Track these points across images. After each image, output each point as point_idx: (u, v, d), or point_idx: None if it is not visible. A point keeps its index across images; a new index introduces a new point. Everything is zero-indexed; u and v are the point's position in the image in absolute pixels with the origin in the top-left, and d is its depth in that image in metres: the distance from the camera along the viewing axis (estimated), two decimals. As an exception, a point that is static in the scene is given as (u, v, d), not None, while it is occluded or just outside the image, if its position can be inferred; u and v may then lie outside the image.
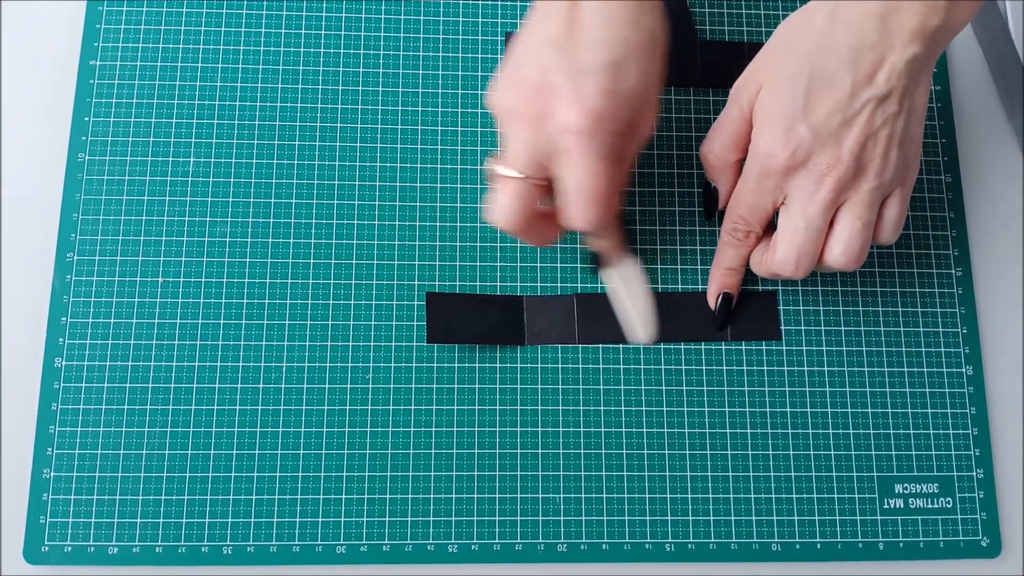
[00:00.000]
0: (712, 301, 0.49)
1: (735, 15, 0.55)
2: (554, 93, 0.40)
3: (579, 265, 0.50)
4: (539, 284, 0.50)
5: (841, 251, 0.43)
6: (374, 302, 0.49)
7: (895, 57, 0.41)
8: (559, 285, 0.50)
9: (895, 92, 0.41)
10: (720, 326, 0.50)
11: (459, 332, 0.49)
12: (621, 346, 0.49)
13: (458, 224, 0.51)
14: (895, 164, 0.42)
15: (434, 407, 0.48)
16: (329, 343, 0.49)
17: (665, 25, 0.42)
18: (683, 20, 0.54)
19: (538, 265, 0.50)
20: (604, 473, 0.48)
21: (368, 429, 0.48)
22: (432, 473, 0.47)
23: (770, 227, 0.46)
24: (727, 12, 0.55)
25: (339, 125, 0.52)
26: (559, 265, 0.50)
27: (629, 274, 0.49)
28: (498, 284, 0.50)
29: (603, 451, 0.48)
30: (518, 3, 0.54)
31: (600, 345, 0.49)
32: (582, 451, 0.48)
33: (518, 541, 0.47)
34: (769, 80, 0.43)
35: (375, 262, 0.50)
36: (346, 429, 0.48)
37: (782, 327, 0.50)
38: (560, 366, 0.49)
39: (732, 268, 0.48)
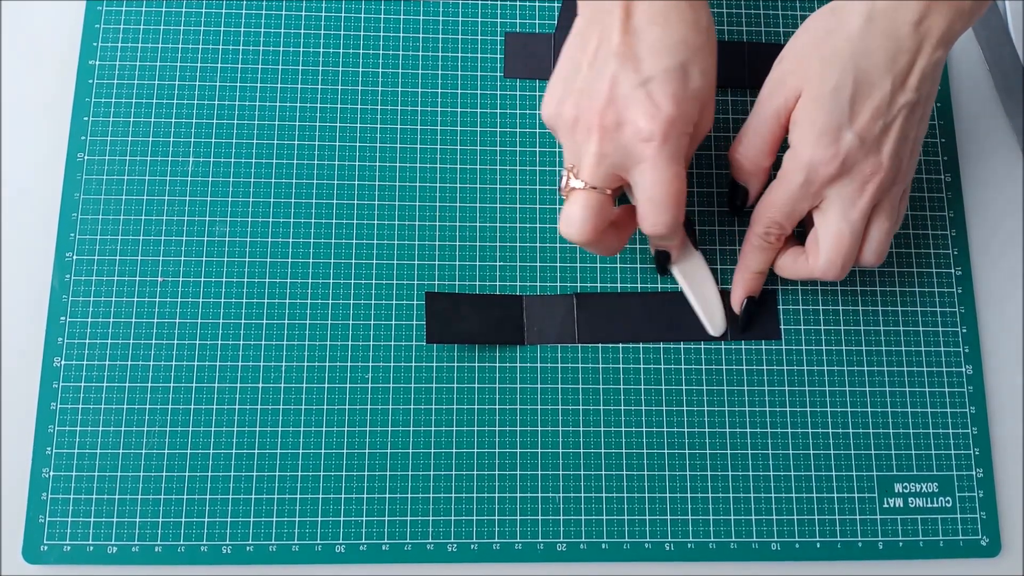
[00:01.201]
0: (737, 305, 0.49)
1: (735, 15, 0.55)
2: (625, 104, 0.40)
3: (641, 265, 0.50)
4: (539, 284, 0.50)
5: (874, 252, 0.45)
6: (374, 302, 0.49)
7: (924, 61, 0.42)
8: (559, 285, 0.50)
9: (923, 96, 0.42)
10: (743, 327, 0.49)
11: (458, 332, 0.49)
12: (620, 345, 0.49)
13: (458, 224, 0.51)
14: (916, 163, 0.44)
15: (434, 407, 0.48)
16: (329, 343, 0.49)
17: (713, 20, 0.43)
18: None
19: (538, 265, 0.50)
20: (604, 473, 0.48)
21: (368, 429, 0.48)
22: (432, 473, 0.47)
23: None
24: (727, 12, 0.55)
25: (339, 125, 0.52)
26: (559, 265, 0.50)
27: (696, 270, 0.49)
28: (498, 284, 0.50)
29: (603, 451, 0.48)
30: (518, 3, 0.54)
31: (600, 345, 0.49)
32: (582, 451, 0.48)
33: (518, 541, 0.47)
34: (809, 88, 0.42)
35: (375, 262, 0.50)
36: (345, 429, 0.48)
37: (782, 327, 0.50)
38: (560, 366, 0.49)
39: (759, 272, 0.48)
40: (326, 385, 0.48)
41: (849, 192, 0.43)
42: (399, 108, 0.52)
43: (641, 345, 0.49)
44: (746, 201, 0.48)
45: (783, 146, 0.45)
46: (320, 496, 0.47)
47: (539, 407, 0.48)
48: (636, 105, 0.40)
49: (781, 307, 0.50)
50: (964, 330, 0.51)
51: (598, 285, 0.50)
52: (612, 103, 0.41)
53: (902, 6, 0.41)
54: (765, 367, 0.49)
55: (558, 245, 0.51)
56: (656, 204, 0.42)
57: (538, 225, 0.51)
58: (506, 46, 0.53)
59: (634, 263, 0.50)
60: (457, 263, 0.50)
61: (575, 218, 0.43)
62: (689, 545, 0.47)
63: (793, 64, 0.44)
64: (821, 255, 0.44)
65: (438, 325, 0.48)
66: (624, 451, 0.48)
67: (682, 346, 0.50)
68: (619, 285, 0.50)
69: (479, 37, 0.53)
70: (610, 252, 0.47)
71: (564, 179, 0.43)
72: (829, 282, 0.51)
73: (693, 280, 0.49)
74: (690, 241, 0.49)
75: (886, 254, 0.45)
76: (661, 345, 0.50)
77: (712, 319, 0.49)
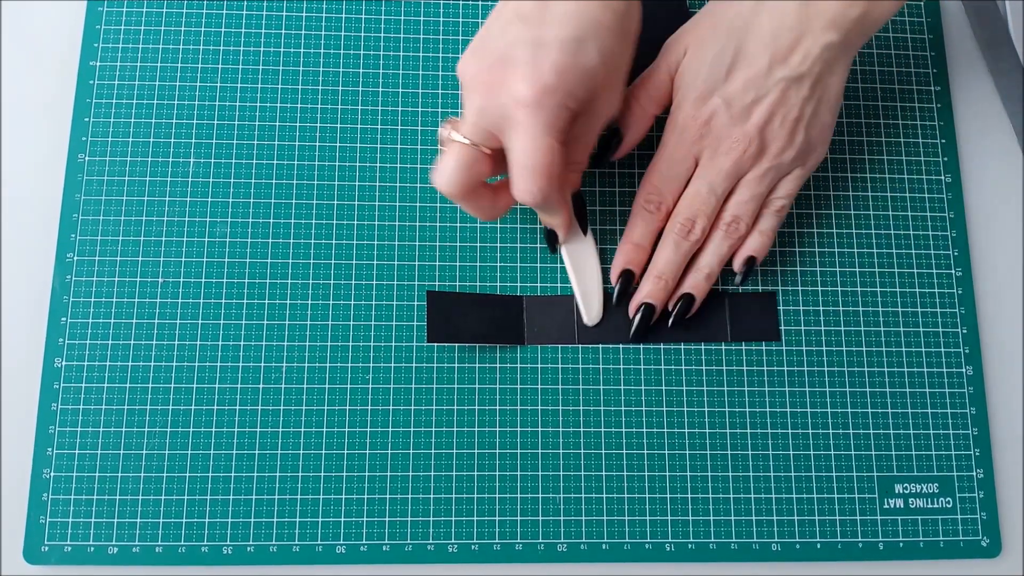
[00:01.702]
0: (614, 276, 0.48)
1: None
2: (511, 64, 0.40)
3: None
4: (539, 284, 0.50)
5: (731, 215, 0.47)
6: (374, 302, 0.49)
7: (810, 42, 0.43)
8: (559, 285, 0.50)
9: (808, 76, 0.44)
10: (638, 334, 0.48)
11: (459, 332, 0.49)
12: (621, 346, 0.49)
13: (458, 224, 0.51)
14: (798, 145, 0.45)
15: (434, 407, 0.48)
16: (329, 343, 0.49)
17: (639, 8, 0.43)
18: (683, 20, 0.54)
19: (538, 265, 0.50)
20: (604, 473, 0.48)
21: (368, 429, 0.48)
22: (432, 473, 0.47)
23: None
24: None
25: (339, 125, 0.52)
26: (559, 265, 0.50)
27: (580, 253, 0.49)
28: (498, 284, 0.50)
29: (603, 451, 0.48)
30: (518, 3, 0.54)
31: (600, 345, 0.49)
32: (582, 451, 0.48)
33: (518, 541, 0.47)
34: (695, 49, 0.45)
35: (375, 262, 0.50)
36: (346, 429, 0.48)
37: (782, 327, 0.50)
38: (560, 366, 0.49)
39: (640, 244, 0.48)
40: (327, 386, 0.48)
41: (712, 153, 0.45)
42: (399, 108, 0.52)
43: (641, 346, 0.49)
44: (617, 148, 0.48)
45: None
46: (321, 497, 0.47)
47: (539, 407, 0.48)
48: (520, 67, 0.40)
49: (781, 308, 0.50)
50: (964, 331, 0.51)
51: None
52: (501, 62, 0.41)
53: None
54: (765, 367, 0.50)
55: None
56: (524, 170, 0.41)
57: (538, 225, 0.51)
58: None
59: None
60: (457, 263, 0.50)
61: (446, 170, 0.43)
62: (690, 546, 0.47)
63: (692, 25, 0.47)
64: (679, 210, 0.46)
65: (439, 325, 0.48)
66: (624, 452, 0.48)
67: (682, 347, 0.50)
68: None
69: (479, 37, 0.53)
70: (485, 215, 0.46)
71: (446, 129, 0.43)
72: (829, 283, 0.51)
73: (577, 263, 0.49)
74: (578, 224, 0.49)
75: (766, 246, 0.48)
76: (661, 346, 0.50)
77: (588, 307, 0.49)
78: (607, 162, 0.49)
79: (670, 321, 0.48)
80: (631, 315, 0.48)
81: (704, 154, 0.46)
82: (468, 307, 0.49)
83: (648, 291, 0.48)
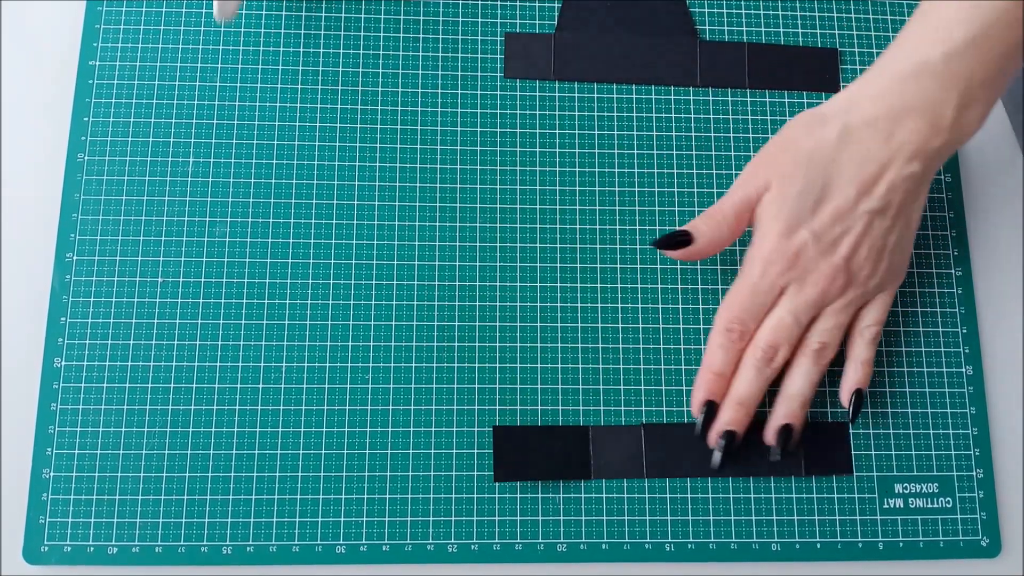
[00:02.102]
0: (696, 408, 0.47)
1: (735, 15, 0.55)
2: None
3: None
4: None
5: (817, 342, 0.46)
6: (374, 302, 0.49)
7: (894, 173, 0.44)
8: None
9: (892, 206, 0.44)
10: (719, 468, 0.47)
11: (527, 469, 0.47)
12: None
13: (458, 224, 0.51)
14: (882, 274, 0.46)
15: (433, 407, 0.48)
16: (329, 343, 0.49)
17: None
18: (683, 20, 0.54)
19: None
20: (604, 473, 0.48)
21: (368, 429, 0.48)
22: (432, 473, 0.47)
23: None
24: (727, 12, 0.55)
25: (339, 125, 0.52)
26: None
27: None
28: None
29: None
30: (518, 3, 0.54)
31: (666, 478, 0.49)
32: (582, 451, 0.48)
33: (518, 541, 0.47)
34: (779, 184, 0.45)
35: (375, 262, 0.50)
36: (346, 429, 0.48)
37: (852, 456, 0.49)
38: (560, 366, 0.49)
39: (722, 374, 0.47)
40: (326, 385, 0.48)
41: (800, 284, 0.45)
42: (399, 108, 0.52)
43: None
44: (680, 245, 0.47)
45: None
46: (320, 496, 0.47)
47: (539, 408, 0.48)
48: None
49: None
50: (964, 330, 0.51)
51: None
52: None
53: (874, 123, 0.44)
54: (765, 367, 0.49)
55: (557, 250, 0.51)
56: None
57: (538, 225, 0.51)
58: (506, 46, 0.53)
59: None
60: (457, 263, 0.50)
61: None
62: (689, 546, 0.47)
63: (768, 160, 0.46)
64: (761, 335, 0.46)
65: (507, 463, 0.47)
66: (624, 451, 0.48)
67: (681, 347, 0.50)
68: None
69: (479, 37, 0.53)
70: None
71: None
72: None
73: None
74: None
75: (868, 375, 0.47)
76: (661, 346, 0.50)
77: None
78: (666, 246, 0.48)
79: (778, 455, 0.47)
80: (712, 445, 0.47)
81: (791, 286, 0.45)
82: (534, 442, 0.48)
83: (729, 418, 0.46)
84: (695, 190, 0.52)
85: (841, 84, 0.54)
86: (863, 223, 0.44)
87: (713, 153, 0.52)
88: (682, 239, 0.47)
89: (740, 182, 0.47)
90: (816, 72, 0.54)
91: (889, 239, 0.45)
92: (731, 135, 0.53)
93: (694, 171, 0.52)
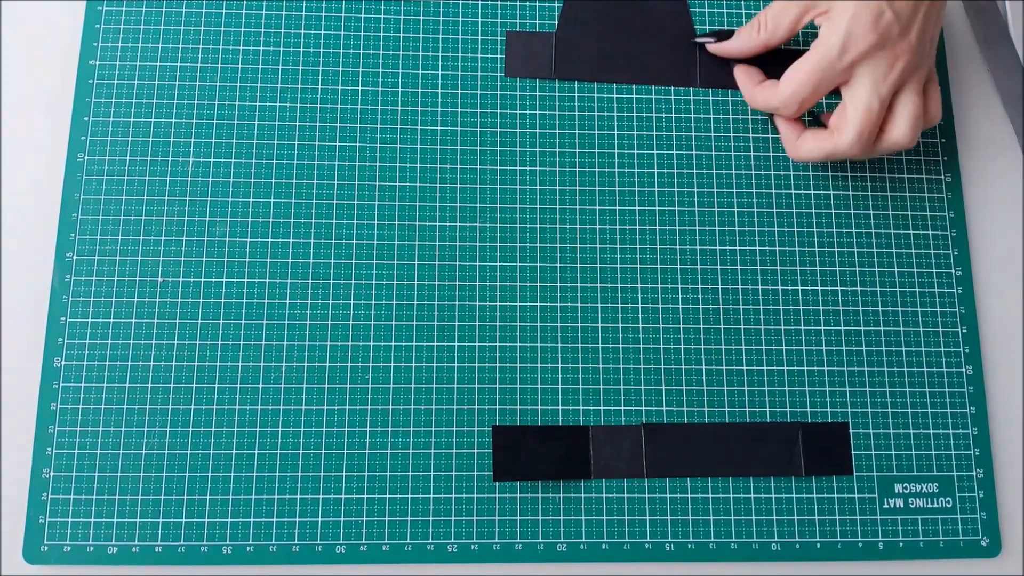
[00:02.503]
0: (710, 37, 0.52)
1: (735, 15, 0.55)
2: None
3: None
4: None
5: (907, 128, 0.47)
6: (374, 302, 0.49)
7: None
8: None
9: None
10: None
11: (526, 470, 0.47)
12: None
13: (458, 224, 0.51)
14: (932, 57, 0.48)
15: (433, 407, 0.48)
16: (329, 343, 0.49)
17: None
18: (683, 20, 0.54)
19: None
20: (604, 473, 0.48)
21: (368, 429, 0.48)
22: (432, 473, 0.47)
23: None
24: (727, 12, 0.55)
25: (339, 125, 0.52)
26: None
27: None
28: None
29: (603, 451, 0.48)
30: (518, 2, 0.54)
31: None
32: (582, 451, 0.48)
33: (518, 541, 0.47)
34: None
35: (375, 262, 0.50)
36: (346, 429, 0.48)
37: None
38: (560, 366, 0.49)
39: (754, 103, 0.50)
40: (326, 385, 0.48)
41: (881, 67, 0.46)
42: (399, 108, 0.52)
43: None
44: (716, 43, 0.52)
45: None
46: (320, 496, 0.47)
47: (539, 407, 0.48)
48: None
49: (781, 307, 0.50)
50: (964, 330, 0.51)
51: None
52: None
53: None
54: (765, 367, 0.49)
55: (557, 250, 0.51)
56: None
57: (538, 225, 0.51)
58: (507, 45, 0.53)
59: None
60: (457, 263, 0.50)
61: None
62: (689, 545, 0.47)
63: None
64: (849, 128, 0.47)
65: (506, 463, 0.47)
66: (624, 451, 0.48)
67: (682, 346, 0.50)
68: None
69: (479, 37, 0.53)
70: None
71: None
72: (829, 283, 0.51)
73: None
74: None
75: (917, 137, 0.48)
76: (661, 346, 0.50)
77: None
78: (715, 39, 0.52)
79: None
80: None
81: (871, 66, 0.46)
82: (534, 442, 0.48)
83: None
84: (695, 190, 0.52)
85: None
86: (924, 7, 0.46)
87: (713, 153, 0.52)
88: (721, 37, 0.51)
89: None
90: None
91: (942, 16, 0.48)
92: (731, 135, 0.53)
93: (694, 171, 0.52)
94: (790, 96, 0.48)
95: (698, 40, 0.53)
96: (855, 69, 0.46)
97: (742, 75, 0.51)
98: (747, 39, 0.51)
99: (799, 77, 0.47)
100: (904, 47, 0.46)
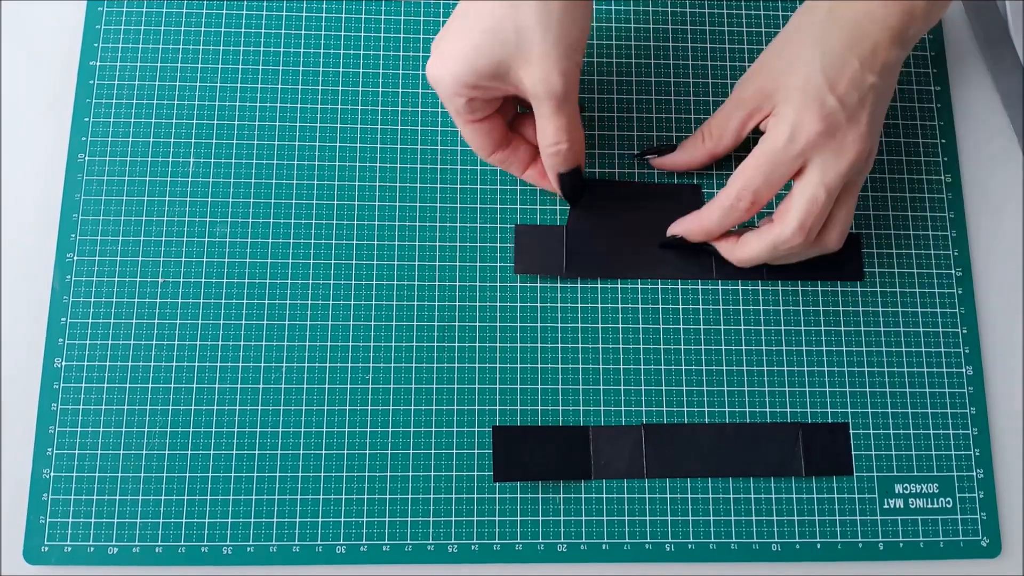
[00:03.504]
0: (670, 233, 0.49)
1: (735, 15, 0.55)
2: None
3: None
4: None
5: (839, 234, 0.46)
6: (374, 302, 0.49)
7: (884, 52, 0.44)
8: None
9: (884, 85, 0.44)
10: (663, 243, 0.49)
11: (527, 470, 0.47)
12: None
13: (458, 224, 0.51)
14: (876, 147, 0.46)
15: (434, 407, 0.48)
16: (329, 343, 0.49)
17: None
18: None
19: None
20: (604, 473, 0.48)
21: (368, 429, 0.48)
22: (432, 473, 0.47)
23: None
24: (727, 13, 0.55)
25: (339, 125, 0.52)
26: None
27: None
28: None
29: (603, 451, 0.48)
30: (518, 3, 0.54)
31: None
32: (582, 451, 0.48)
33: (518, 541, 0.47)
34: (785, 67, 0.45)
35: (375, 262, 0.50)
36: (346, 429, 0.48)
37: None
38: (560, 366, 0.49)
39: (709, 233, 0.47)
40: (327, 386, 0.48)
41: (830, 159, 0.44)
42: (399, 108, 0.52)
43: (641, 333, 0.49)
44: (661, 157, 0.50)
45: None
46: (321, 497, 0.47)
47: (539, 408, 0.48)
48: None
49: (781, 307, 0.50)
50: (964, 331, 0.51)
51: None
52: None
53: (859, 4, 0.44)
54: (765, 367, 0.50)
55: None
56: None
57: (538, 226, 0.51)
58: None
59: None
60: (457, 263, 0.50)
61: None
62: (689, 546, 0.47)
63: (764, 57, 0.47)
64: (792, 218, 0.44)
65: (506, 463, 0.47)
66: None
67: (681, 347, 0.50)
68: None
69: (479, 37, 0.53)
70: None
71: None
72: (829, 282, 0.51)
73: None
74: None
75: (845, 239, 0.47)
76: (661, 346, 0.50)
77: None
78: (651, 155, 0.51)
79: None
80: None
81: (817, 158, 0.44)
82: (534, 442, 0.48)
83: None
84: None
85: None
86: (873, 95, 0.44)
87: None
88: (665, 149, 0.50)
89: (736, 89, 0.47)
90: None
91: (881, 120, 0.45)
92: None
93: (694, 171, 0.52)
94: (742, 188, 0.45)
95: (639, 156, 0.51)
96: (806, 158, 0.44)
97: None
98: (692, 150, 0.49)
99: (748, 167, 0.45)
100: (855, 136, 0.44)
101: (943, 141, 0.54)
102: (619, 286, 0.50)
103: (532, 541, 0.47)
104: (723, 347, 0.50)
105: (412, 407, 0.48)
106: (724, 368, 0.49)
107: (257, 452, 0.47)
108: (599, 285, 0.50)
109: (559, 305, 0.50)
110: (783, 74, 0.45)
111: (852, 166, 0.44)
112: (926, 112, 0.54)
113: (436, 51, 0.44)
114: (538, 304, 0.50)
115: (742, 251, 0.47)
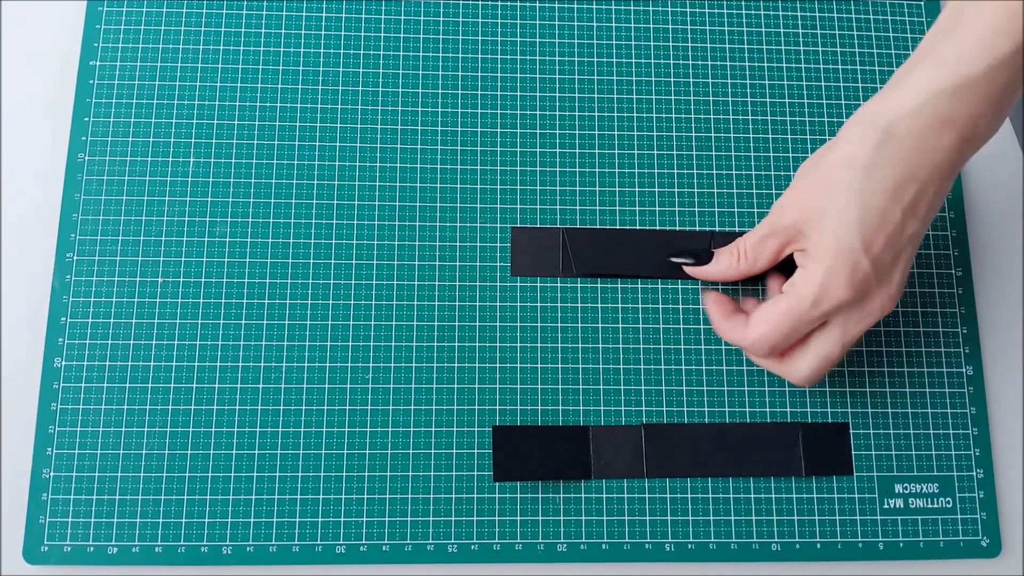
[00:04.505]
0: (677, 258, 0.49)
1: (735, 15, 0.55)
2: None
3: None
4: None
5: (811, 368, 0.45)
6: (374, 302, 0.49)
7: (930, 188, 0.41)
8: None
9: (926, 223, 0.42)
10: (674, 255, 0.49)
11: (527, 470, 0.47)
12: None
13: (458, 224, 0.51)
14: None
15: (434, 407, 0.48)
16: (329, 343, 0.49)
17: None
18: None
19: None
20: (604, 473, 0.48)
21: (368, 429, 0.48)
22: (432, 473, 0.47)
23: None
24: (727, 13, 0.55)
25: (339, 125, 0.52)
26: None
27: None
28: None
29: (603, 451, 0.48)
30: (518, 3, 0.54)
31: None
32: (582, 451, 0.48)
33: (518, 541, 0.47)
34: (821, 208, 0.42)
35: (375, 262, 0.50)
36: (346, 429, 0.48)
37: (852, 453, 0.49)
38: (560, 366, 0.49)
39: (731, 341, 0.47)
40: (326, 386, 0.48)
41: (853, 319, 0.43)
42: (399, 108, 0.52)
43: (643, 349, 0.49)
44: (697, 268, 0.48)
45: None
46: (320, 496, 0.47)
47: (539, 408, 0.48)
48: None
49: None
50: (964, 330, 0.51)
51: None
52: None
53: (916, 138, 0.40)
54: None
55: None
56: None
57: (539, 226, 0.51)
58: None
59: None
60: (458, 263, 0.50)
61: None
62: (690, 546, 0.47)
63: (798, 194, 0.43)
64: (804, 366, 0.44)
65: (506, 463, 0.47)
66: (624, 451, 0.48)
67: (681, 347, 0.50)
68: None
69: (479, 37, 0.53)
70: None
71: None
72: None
73: None
74: None
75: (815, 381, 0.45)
76: (662, 346, 0.50)
77: None
78: (682, 257, 0.49)
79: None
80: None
81: (841, 316, 0.43)
82: (534, 442, 0.48)
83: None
84: (695, 190, 0.52)
85: (842, 84, 0.54)
86: (911, 247, 0.42)
87: (713, 153, 0.52)
88: (703, 259, 0.48)
89: (772, 214, 0.45)
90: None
91: (914, 255, 0.43)
92: (731, 135, 0.53)
93: (694, 171, 0.52)
94: (758, 339, 0.44)
95: (675, 260, 0.50)
96: (828, 317, 0.43)
97: (712, 306, 0.47)
98: (727, 268, 0.47)
99: (771, 321, 0.43)
100: (884, 297, 0.42)
101: (943, 141, 0.54)
102: (619, 286, 0.50)
103: (532, 541, 0.47)
104: (723, 347, 0.50)
105: (412, 407, 0.48)
106: (724, 368, 0.49)
107: (257, 452, 0.47)
108: (599, 285, 0.50)
109: (559, 305, 0.50)
110: (818, 217, 0.42)
111: (874, 323, 0.43)
112: (926, 112, 0.54)
113: None
114: (538, 304, 0.50)
115: (756, 360, 0.47)
